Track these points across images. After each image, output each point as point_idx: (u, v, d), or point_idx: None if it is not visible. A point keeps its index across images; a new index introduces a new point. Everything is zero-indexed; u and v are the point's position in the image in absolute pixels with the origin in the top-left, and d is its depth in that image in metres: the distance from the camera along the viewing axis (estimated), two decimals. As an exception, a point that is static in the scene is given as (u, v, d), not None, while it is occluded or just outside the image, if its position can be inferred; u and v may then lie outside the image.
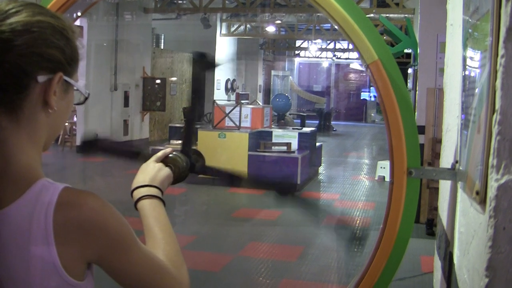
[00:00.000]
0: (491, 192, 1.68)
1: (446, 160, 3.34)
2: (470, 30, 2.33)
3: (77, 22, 17.77)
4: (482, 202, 1.79)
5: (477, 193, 1.83)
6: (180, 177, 2.53)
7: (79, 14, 3.40)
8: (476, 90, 2.03)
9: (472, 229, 2.02)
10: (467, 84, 2.37)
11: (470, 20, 2.32)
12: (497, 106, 1.67)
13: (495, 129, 1.67)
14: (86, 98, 1.71)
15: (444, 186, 3.43)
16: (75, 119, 19.40)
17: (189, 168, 2.58)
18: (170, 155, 2.54)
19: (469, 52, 2.35)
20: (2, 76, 1.44)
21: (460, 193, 2.53)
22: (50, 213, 1.44)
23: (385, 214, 2.82)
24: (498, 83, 1.67)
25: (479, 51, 2.04)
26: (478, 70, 2.06)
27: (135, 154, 2.78)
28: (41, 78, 1.49)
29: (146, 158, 2.50)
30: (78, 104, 1.70)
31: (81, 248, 1.47)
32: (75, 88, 1.63)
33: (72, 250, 1.46)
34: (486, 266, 1.68)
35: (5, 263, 1.44)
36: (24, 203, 1.45)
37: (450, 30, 3.54)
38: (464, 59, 2.49)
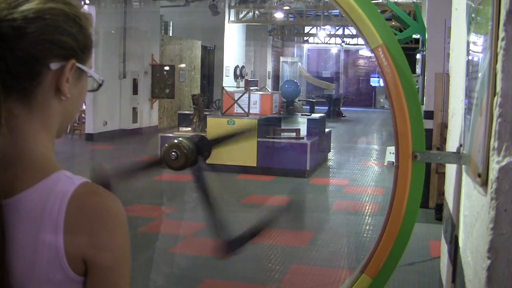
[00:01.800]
0: (493, 174, 1.69)
1: (452, 144, 3.36)
2: (473, 15, 2.34)
3: (85, 9, 17.76)
4: (484, 184, 1.80)
5: (479, 175, 1.85)
6: (187, 163, 2.55)
7: (87, 1, 3.41)
8: (479, 74, 2.04)
9: (475, 212, 2.03)
10: (471, 68, 2.38)
11: (473, 4, 2.33)
12: (498, 88, 1.68)
13: (496, 112, 1.68)
14: (100, 85, 1.69)
15: (451, 170, 3.44)
16: (84, 107, 19.45)
17: (196, 154, 2.59)
18: (175, 141, 2.55)
19: (472, 37, 2.36)
20: (14, 63, 1.44)
21: (465, 177, 2.55)
22: (64, 203, 1.43)
23: (390, 198, 2.83)
24: (499, 66, 1.68)
25: (482, 35, 2.05)
26: (481, 55, 2.07)
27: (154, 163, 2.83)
28: (54, 66, 1.49)
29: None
30: (91, 91, 1.69)
31: (83, 243, 1.44)
32: (88, 75, 1.62)
33: (76, 245, 1.44)
34: (488, 247, 1.69)
35: (12, 252, 1.42)
36: (38, 192, 1.44)
37: (455, 14, 3.54)
38: (468, 43, 2.50)
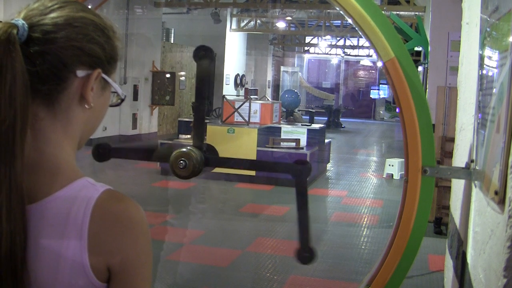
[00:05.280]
0: (511, 193, 1.67)
1: (460, 159, 3.34)
2: (488, 29, 2.33)
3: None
4: (501, 202, 1.78)
5: (496, 193, 1.83)
6: (195, 171, 2.54)
7: (89, 7, 3.41)
8: (494, 90, 2.02)
9: (489, 229, 2.01)
10: (484, 83, 2.36)
11: (488, 19, 2.31)
12: (518, 106, 1.66)
13: (515, 129, 1.66)
14: (122, 100, 1.71)
15: (457, 185, 3.42)
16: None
17: (203, 163, 2.58)
18: (184, 150, 2.54)
19: (487, 51, 2.34)
20: (43, 66, 1.46)
21: (476, 193, 2.52)
22: (88, 209, 1.44)
23: (398, 212, 2.82)
24: (519, 83, 1.66)
25: (498, 51, 2.04)
26: (496, 70, 2.05)
27: (149, 151, 2.84)
28: (80, 73, 1.51)
29: (158, 154, 2.53)
30: (113, 105, 1.71)
31: (108, 250, 1.46)
32: (112, 89, 1.65)
33: (100, 251, 1.45)
34: (504, 266, 1.67)
35: (34, 257, 1.43)
36: (63, 198, 1.45)
37: (465, 28, 3.52)
38: (481, 58, 2.48)
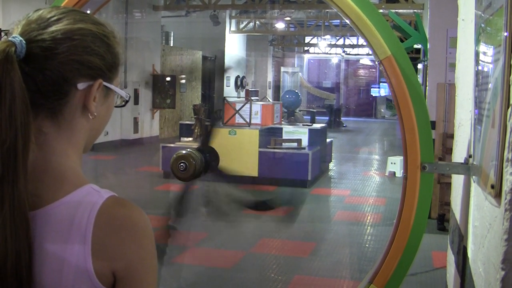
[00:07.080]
0: (507, 186, 1.68)
1: (459, 154, 3.35)
2: (482, 25, 2.34)
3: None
4: (498, 195, 1.80)
5: (492, 186, 1.84)
6: (195, 174, 2.55)
7: (88, 11, 3.42)
8: (490, 85, 2.04)
9: (487, 223, 2.02)
10: (480, 79, 2.37)
11: (483, 15, 2.33)
12: (512, 100, 1.68)
13: (510, 123, 1.68)
14: (126, 101, 1.72)
15: (457, 180, 3.43)
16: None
17: (205, 166, 2.60)
18: (184, 152, 2.56)
19: (482, 47, 2.36)
20: (44, 83, 1.47)
21: (474, 187, 2.54)
22: (92, 215, 1.44)
23: (399, 209, 2.83)
24: (513, 78, 1.68)
25: (492, 46, 2.05)
26: (491, 65, 2.07)
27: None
28: (81, 85, 1.52)
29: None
30: (118, 106, 1.71)
31: (112, 255, 1.46)
32: (115, 93, 1.65)
33: (105, 256, 1.45)
34: (502, 259, 1.68)
35: (39, 262, 1.44)
36: (67, 204, 1.46)
37: (461, 25, 3.54)
38: (477, 54, 2.50)
